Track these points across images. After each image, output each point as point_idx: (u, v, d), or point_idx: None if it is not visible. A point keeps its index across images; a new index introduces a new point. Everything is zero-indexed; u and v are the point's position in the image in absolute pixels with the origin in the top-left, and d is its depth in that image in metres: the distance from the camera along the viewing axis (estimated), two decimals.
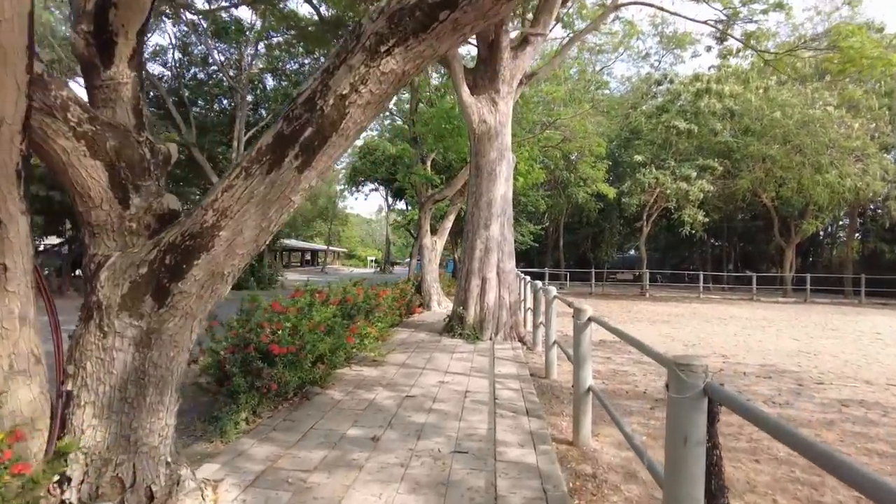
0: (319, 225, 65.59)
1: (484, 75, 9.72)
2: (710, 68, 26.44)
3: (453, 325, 9.66)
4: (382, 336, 7.20)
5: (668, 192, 23.44)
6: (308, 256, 71.38)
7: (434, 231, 15.61)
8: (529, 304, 11.71)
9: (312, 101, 2.46)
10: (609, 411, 3.74)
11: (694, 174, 23.67)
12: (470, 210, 9.90)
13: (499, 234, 9.64)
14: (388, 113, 26.51)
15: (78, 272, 24.41)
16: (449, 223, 15.52)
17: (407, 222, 32.25)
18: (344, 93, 2.42)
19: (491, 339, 9.35)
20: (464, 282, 9.78)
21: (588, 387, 4.44)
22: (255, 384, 4.37)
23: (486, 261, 9.58)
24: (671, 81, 26.31)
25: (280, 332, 4.59)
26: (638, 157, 24.75)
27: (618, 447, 4.57)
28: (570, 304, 5.46)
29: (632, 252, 43.35)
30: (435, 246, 15.01)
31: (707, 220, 24.89)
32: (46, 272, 18.33)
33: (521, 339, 9.50)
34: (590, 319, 4.58)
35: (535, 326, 9.10)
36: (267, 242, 2.66)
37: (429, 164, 20.54)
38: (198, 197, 24.50)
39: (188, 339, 2.67)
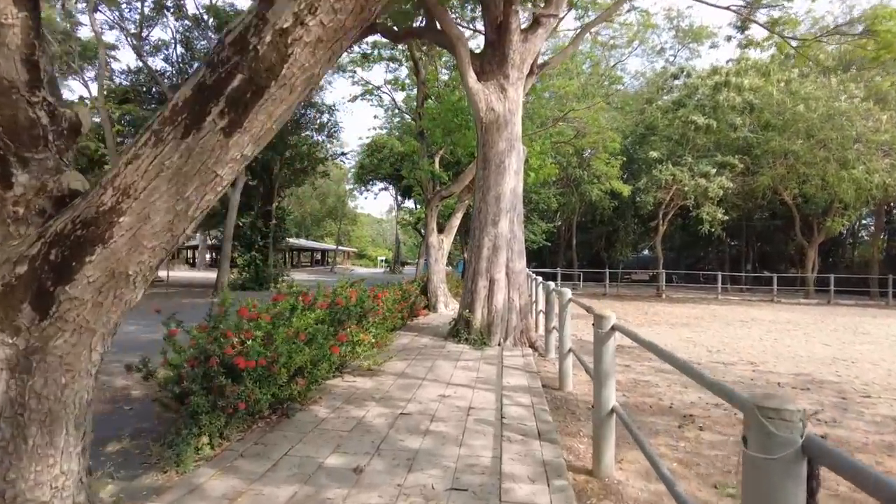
0: (330, 224, 65.32)
1: (492, 60, 9.03)
2: (728, 62, 25.50)
3: (459, 330, 8.99)
4: (380, 342, 6.53)
5: (686, 189, 22.55)
6: (318, 256, 71.04)
7: (442, 229, 14.97)
8: (541, 306, 11.03)
9: (244, 40, 1.80)
10: (641, 444, 3.03)
11: (713, 171, 22.77)
12: (477, 205, 9.22)
13: (508, 231, 8.95)
14: (396, 110, 25.97)
15: None
16: (456, 221, 14.84)
17: (415, 221, 31.65)
18: (285, 26, 1.76)
19: (499, 344, 8.67)
20: (470, 283, 9.10)
21: (611, 408, 3.75)
22: (218, 403, 3.72)
23: (494, 260, 8.90)
24: (688, 75, 25.41)
25: (250, 342, 3.94)
26: (654, 154, 23.88)
27: (645, 477, 3.89)
28: (587, 309, 4.78)
29: (645, 252, 42.38)
30: (442, 245, 14.34)
31: (727, 218, 23.94)
32: None
33: (532, 345, 8.81)
34: (613, 329, 3.90)
35: (548, 331, 8.41)
36: (188, 232, 2.00)
37: (437, 160, 20.02)
38: None
39: (87, 360, 2.02)
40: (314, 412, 4.79)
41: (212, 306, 4.48)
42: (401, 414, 4.82)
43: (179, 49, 20.95)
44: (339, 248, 65.42)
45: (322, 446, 3.95)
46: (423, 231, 24.54)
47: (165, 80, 20.77)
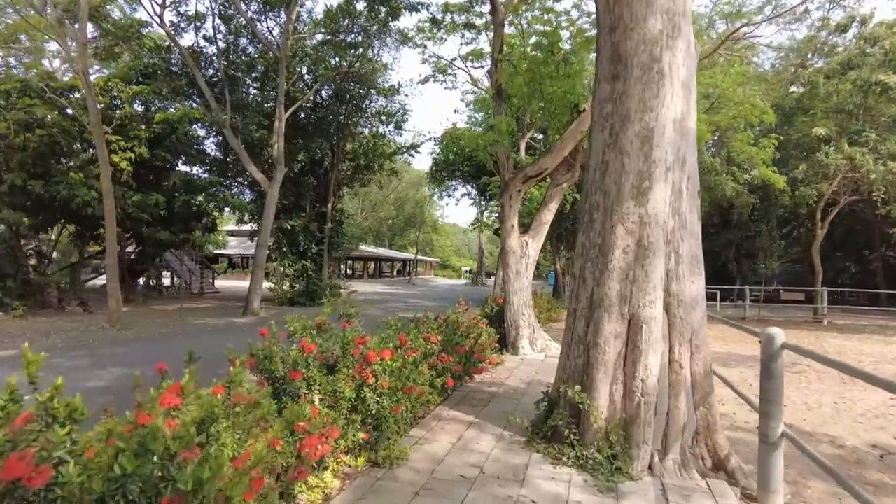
0: (412, 234, 62.23)
1: None
2: None
3: (558, 427, 4.20)
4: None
5: (873, 176, 16.13)
6: (400, 267, 68.05)
7: (528, 229, 10.09)
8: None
9: None
10: None
11: None
12: (598, 160, 4.41)
13: (668, 211, 4.09)
14: (476, 89, 21.88)
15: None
16: (549, 214, 9.81)
17: (496, 229, 27.00)
18: None
19: (650, 469, 3.80)
20: (583, 325, 4.30)
21: None
22: None
23: (637, 277, 4.05)
24: (863, 23, 18.85)
25: None
26: (819, 131, 17.56)
27: None
28: None
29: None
30: (526, 250, 9.49)
31: None
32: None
33: (720, 466, 3.86)
34: None
35: (766, 442, 3.45)
36: None
37: (522, 147, 15.85)
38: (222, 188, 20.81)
39: None
40: None
41: None
42: None
43: (216, 21, 17.73)
44: (420, 257, 61.81)
45: None
46: None
47: (202, 59, 17.70)
